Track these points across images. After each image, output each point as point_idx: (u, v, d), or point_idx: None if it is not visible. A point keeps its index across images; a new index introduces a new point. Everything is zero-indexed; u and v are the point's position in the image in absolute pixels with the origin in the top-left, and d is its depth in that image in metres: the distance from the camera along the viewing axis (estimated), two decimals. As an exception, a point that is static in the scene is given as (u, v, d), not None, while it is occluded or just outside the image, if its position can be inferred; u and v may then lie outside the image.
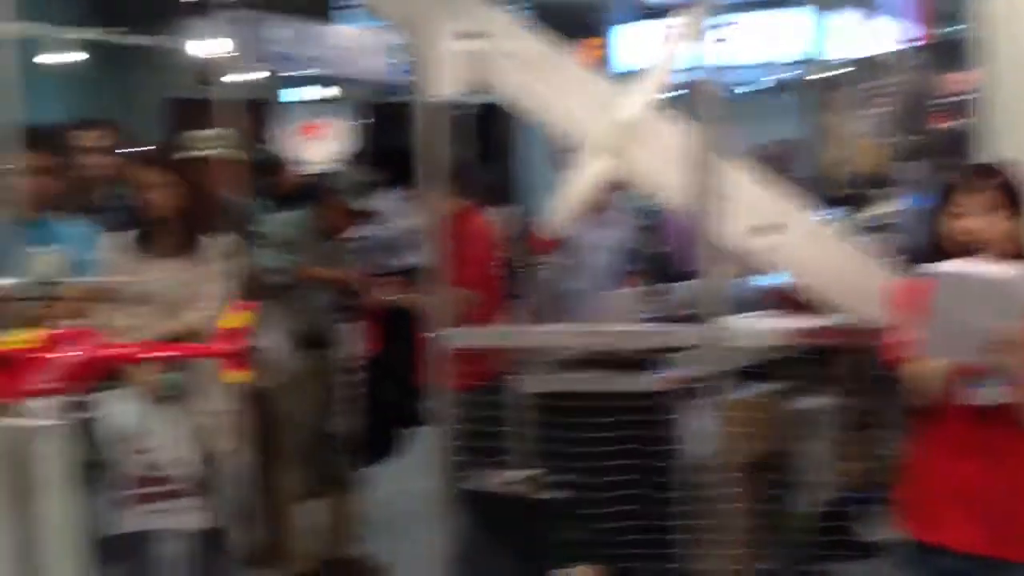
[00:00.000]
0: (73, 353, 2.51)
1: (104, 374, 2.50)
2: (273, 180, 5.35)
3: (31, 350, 2.52)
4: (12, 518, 3.08)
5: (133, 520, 3.94)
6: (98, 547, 3.86)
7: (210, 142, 4.69)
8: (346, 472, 4.84)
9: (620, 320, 4.03)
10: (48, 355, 2.55)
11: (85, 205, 4.39)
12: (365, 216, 4.79)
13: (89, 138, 4.36)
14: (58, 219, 3.97)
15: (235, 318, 2.55)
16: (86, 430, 3.88)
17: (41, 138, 3.80)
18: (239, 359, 2.57)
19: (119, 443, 3.84)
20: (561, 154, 3.87)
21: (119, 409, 3.84)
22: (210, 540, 4.18)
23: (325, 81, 9.08)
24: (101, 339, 2.57)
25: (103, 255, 3.96)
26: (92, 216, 4.35)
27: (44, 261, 3.86)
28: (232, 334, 2.55)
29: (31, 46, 5.92)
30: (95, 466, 4.01)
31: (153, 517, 3.96)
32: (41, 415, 2.83)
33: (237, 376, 2.58)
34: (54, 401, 2.71)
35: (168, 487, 3.93)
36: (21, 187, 3.07)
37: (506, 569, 3.23)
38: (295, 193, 5.46)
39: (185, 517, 3.99)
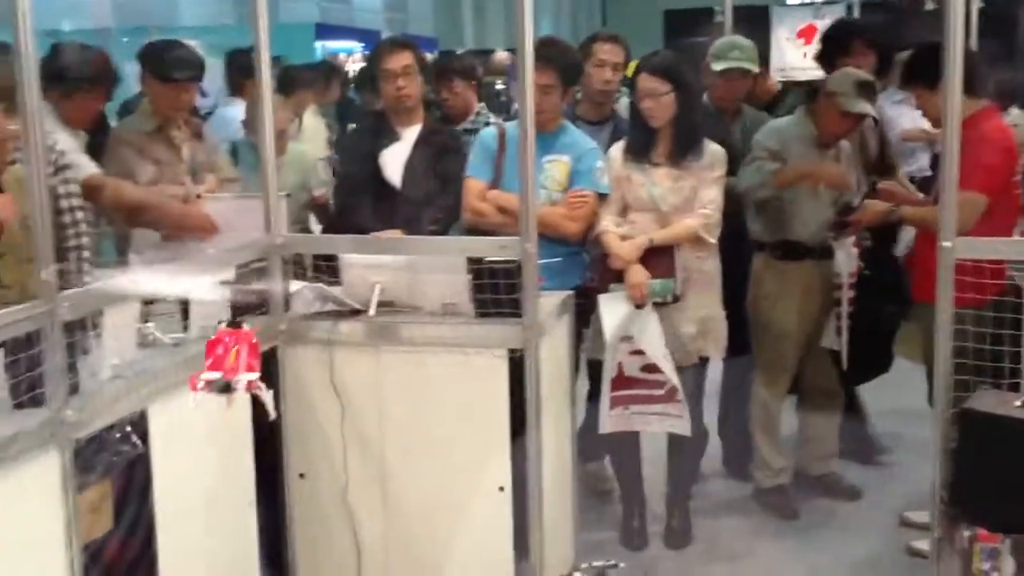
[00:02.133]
0: None
1: None
2: (754, 87, 5.21)
3: None
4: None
5: (619, 420, 4.13)
6: (585, 444, 4.11)
7: (730, 53, 4.69)
8: (832, 387, 4.72)
9: None
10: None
11: (594, 115, 4.62)
12: (864, 121, 4.50)
13: (602, 51, 4.54)
14: (566, 129, 4.20)
15: None
16: (582, 331, 4.12)
17: (549, 53, 4.01)
18: None
19: (612, 344, 4.02)
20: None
21: (613, 310, 4.01)
22: (689, 446, 4.29)
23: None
24: None
25: (606, 164, 4.13)
26: (597, 126, 4.56)
27: (554, 169, 4.12)
28: None
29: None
30: (593, 366, 4.26)
31: (638, 419, 4.14)
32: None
33: None
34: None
35: (654, 391, 4.07)
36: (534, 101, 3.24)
37: (1008, 495, 2.99)
38: (774, 100, 5.31)
39: (668, 422, 4.11)
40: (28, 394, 2.43)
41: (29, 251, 3.25)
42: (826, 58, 4.96)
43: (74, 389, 2.55)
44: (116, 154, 4.16)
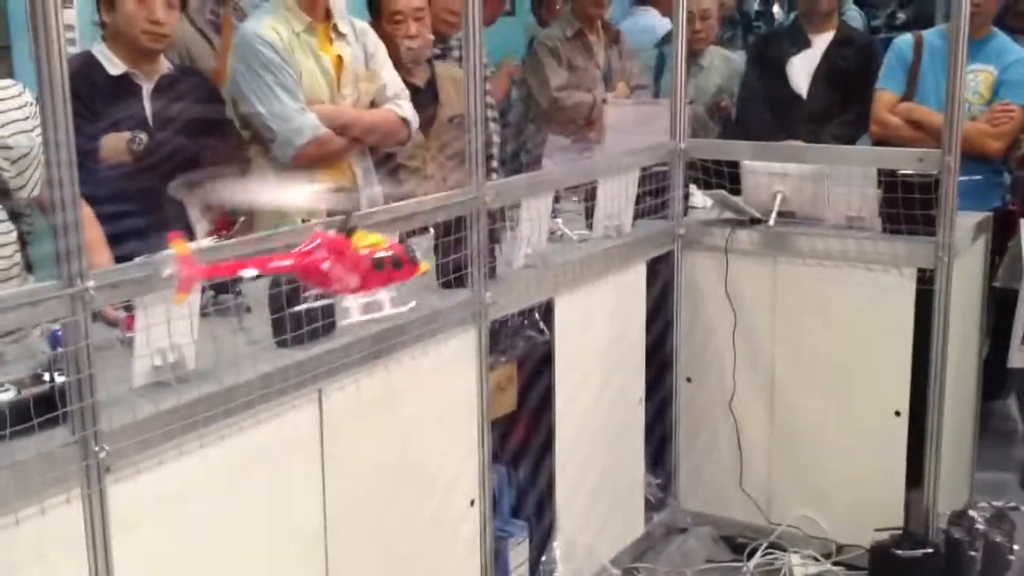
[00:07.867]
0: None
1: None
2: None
3: None
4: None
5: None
6: (989, 380, 3.85)
7: None
8: None
9: None
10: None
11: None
12: None
13: None
14: (995, 36, 3.90)
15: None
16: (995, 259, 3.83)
17: None
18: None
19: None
20: None
21: None
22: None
23: None
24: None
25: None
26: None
27: (977, 80, 3.83)
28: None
29: None
30: (1004, 296, 3.95)
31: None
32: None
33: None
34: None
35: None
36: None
37: None
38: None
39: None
40: (453, 275, 2.60)
41: (453, 146, 3.51)
42: None
43: (491, 274, 2.70)
44: (533, 60, 4.34)
